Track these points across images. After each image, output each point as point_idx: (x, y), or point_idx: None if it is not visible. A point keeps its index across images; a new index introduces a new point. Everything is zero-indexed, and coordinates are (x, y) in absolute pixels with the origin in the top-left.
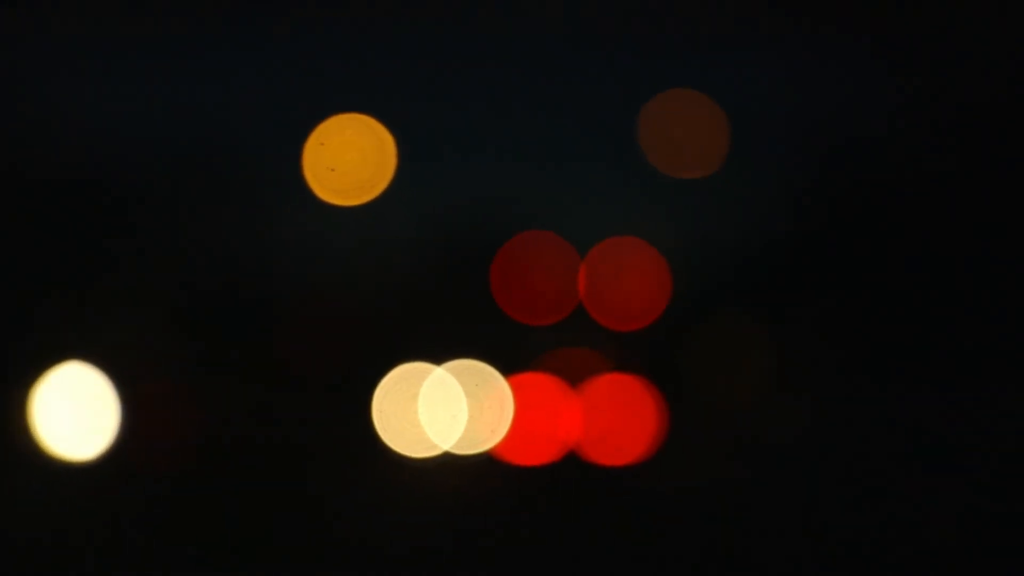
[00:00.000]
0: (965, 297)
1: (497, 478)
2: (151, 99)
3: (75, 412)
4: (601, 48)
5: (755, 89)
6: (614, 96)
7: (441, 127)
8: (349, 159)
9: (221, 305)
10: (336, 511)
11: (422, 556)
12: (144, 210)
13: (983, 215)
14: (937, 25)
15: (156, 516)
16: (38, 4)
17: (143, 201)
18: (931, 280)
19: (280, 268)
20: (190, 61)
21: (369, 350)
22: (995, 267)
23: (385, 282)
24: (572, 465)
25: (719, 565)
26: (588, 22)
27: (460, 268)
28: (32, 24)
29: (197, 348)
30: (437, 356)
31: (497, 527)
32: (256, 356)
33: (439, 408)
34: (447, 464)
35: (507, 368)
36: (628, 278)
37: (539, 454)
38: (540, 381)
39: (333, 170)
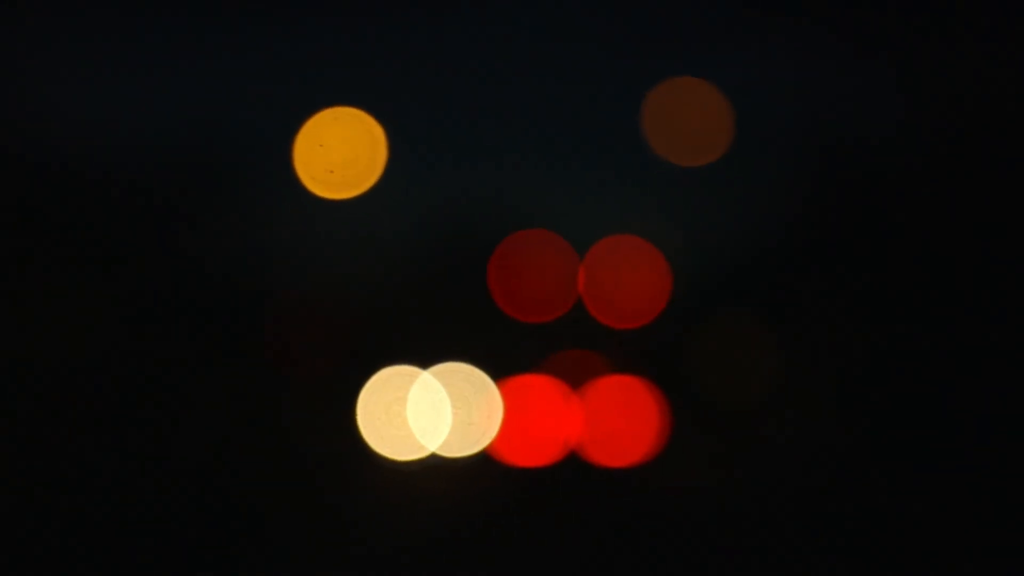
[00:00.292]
0: (965, 297)
1: (489, 479)
2: (140, 93)
3: None
4: (600, 41)
5: (758, 79)
6: (613, 91)
7: (435, 121)
8: (339, 152)
9: (201, 303)
10: (322, 512)
11: (408, 558)
12: (131, 204)
13: (986, 204)
14: (941, 21)
15: (141, 519)
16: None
17: (130, 195)
18: (931, 280)
19: (266, 264)
20: (181, 56)
21: (357, 351)
22: (995, 267)
23: (376, 282)
24: (573, 466)
25: (720, 565)
26: (586, 13)
27: (455, 268)
28: (19, 21)
29: (177, 346)
30: (427, 359)
31: (491, 529)
32: (239, 355)
33: (425, 411)
34: (434, 467)
35: (506, 370)
36: (627, 275)
37: (538, 455)
38: (539, 383)
39: (331, 172)
